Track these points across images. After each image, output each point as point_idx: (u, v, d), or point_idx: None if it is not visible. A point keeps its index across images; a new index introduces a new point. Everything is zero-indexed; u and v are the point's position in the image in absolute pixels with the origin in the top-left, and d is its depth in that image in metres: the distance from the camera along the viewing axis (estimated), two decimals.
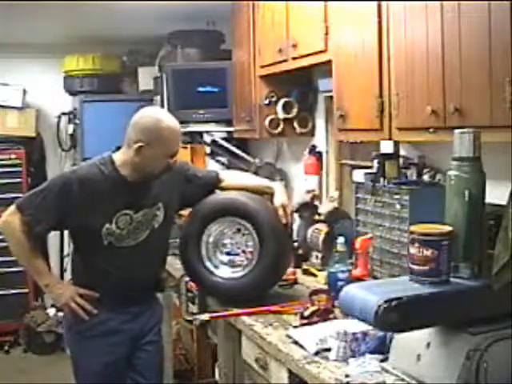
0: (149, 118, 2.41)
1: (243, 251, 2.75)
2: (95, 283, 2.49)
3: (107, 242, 2.44)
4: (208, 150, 4.41)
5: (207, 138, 4.41)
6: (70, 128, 5.58)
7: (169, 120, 2.43)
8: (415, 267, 1.71)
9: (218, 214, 2.65)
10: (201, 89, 4.29)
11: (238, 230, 2.74)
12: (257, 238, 2.58)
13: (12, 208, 2.45)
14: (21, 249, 2.49)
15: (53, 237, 4.99)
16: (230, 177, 2.79)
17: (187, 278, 2.95)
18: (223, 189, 2.72)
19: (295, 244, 3.18)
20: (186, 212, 2.78)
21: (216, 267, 2.68)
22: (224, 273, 2.67)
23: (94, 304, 2.47)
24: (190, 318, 2.81)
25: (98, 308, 2.47)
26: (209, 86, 4.29)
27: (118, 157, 2.47)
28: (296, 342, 2.12)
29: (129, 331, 2.55)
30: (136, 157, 2.40)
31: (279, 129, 3.58)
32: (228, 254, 2.74)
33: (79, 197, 2.39)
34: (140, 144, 2.37)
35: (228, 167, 4.43)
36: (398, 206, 2.45)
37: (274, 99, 3.56)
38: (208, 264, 2.67)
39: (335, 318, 2.27)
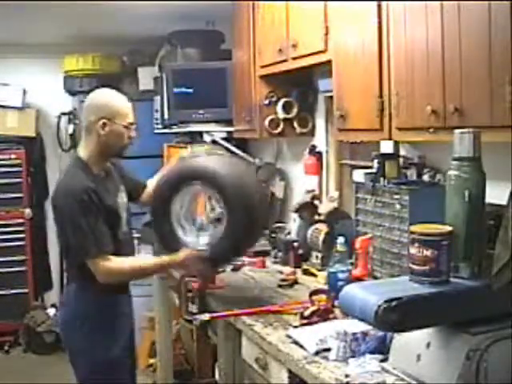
0: (102, 97, 2.61)
1: (212, 219, 2.76)
2: None
3: (121, 232, 2.59)
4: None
5: (207, 138, 4.41)
6: (70, 128, 5.57)
7: (118, 94, 2.63)
8: (415, 267, 1.71)
9: (186, 180, 2.64)
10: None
11: (209, 198, 2.76)
12: (225, 207, 2.53)
13: (98, 259, 2.44)
14: (138, 272, 2.62)
15: (53, 235, 4.98)
16: (149, 183, 2.89)
17: (187, 278, 2.95)
18: (148, 194, 2.84)
19: (295, 244, 3.19)
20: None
21: (185, 234, 2.68)
22: (193, 240, 2.67)
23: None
24: (189, 318, 2.81)
25: (111, 294, 2.58)
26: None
27: (83, 154, 2.58)
28: (296, 342, 2.12)
29: (130, 312, 2.76)
30: (102, 136, 2.52)
31: (279, 129, 3.58)
32: (196, 221, 2.75)
33: (97, 204, 2.46)
34: (104, 121, 2.52)
35: None
36: (397, 206, 2.45)
37: (273, 99, 3.56)
38: (178, 230, 2.67)
39: (335, 318, 2.27)
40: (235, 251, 2.66)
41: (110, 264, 2.46)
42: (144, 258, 2.65)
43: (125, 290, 2.72)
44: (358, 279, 2.51)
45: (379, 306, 1.59)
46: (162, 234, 2.72)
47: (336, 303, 2.21)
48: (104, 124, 2.52)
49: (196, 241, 2.68)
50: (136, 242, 3.11)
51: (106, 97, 2.61)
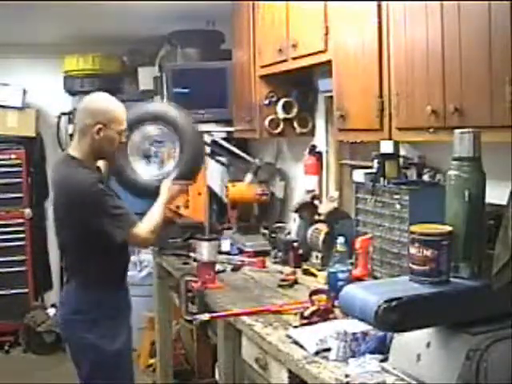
0: (100, 102, 2.66)
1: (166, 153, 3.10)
2: (112, 267, 2.66)
3: None
4: (208, 149, 4.41)
5: (207, 138, 4.40)
6: (70, 128, 5.55)
7: (116, 101, 2.69)
8: (415, 267, 1.71)
9: (147, 119, 3.02)
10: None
11: (162, 136, 3.08)
12: (178, 142, 2.98)
13: (131, 233, 2.57)
14: (159, 224, 2.70)
15: (53, 235, 4.97)
16: None
17: (187, 278, 2.95)
18: None
19: (295, 244, 3.20)
20: None
21: (136, 165, 3.04)
22: (143, 170, 3.03)
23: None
24: (189, 318, 2.81)
25: (112, 289, 2.67)
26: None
27: (77, 154, 2.63)
28: (296, 342, 2.12)
29: (129, 306, 2.81)
30: (96, 140, 2.59)
31: (279, 129, 3.58)
32: (151, 156, 3.10)
33: (109, 191, 2.61)
34: (99, 126, 2.57)
35: (228, 167, 4.44)
36: (397, 206, 2.45)
37: (273, 99, 3.56)
38: (132, 162, 3.03)
39: (335, 318, 2.27)
40: (192, 172, 3.05)
41: (143, 228, 2.61)
42: (149, 212, 2.72)
43: (123, 284, 2.78)
44: (358, 279, 2.51)
45: (379, 306, 1.59)
46: (119, 165, 2.97)
47: (336, 303, 2.21)
48: (100, 129, 2.58)
49: (146, 170, 3.04)
50: None
51: (104, 102, 2.65)
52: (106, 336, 2.60)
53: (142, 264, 4.78)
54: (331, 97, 2.84)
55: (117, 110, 2.65)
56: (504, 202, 1.73)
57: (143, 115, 3.03)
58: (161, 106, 3.20)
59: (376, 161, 2.62)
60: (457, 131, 1.74)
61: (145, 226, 2.62)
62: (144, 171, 3.04)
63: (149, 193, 2.91)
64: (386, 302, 1.59)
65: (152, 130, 3.05)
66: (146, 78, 5.29)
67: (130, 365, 2.80)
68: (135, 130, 2.98)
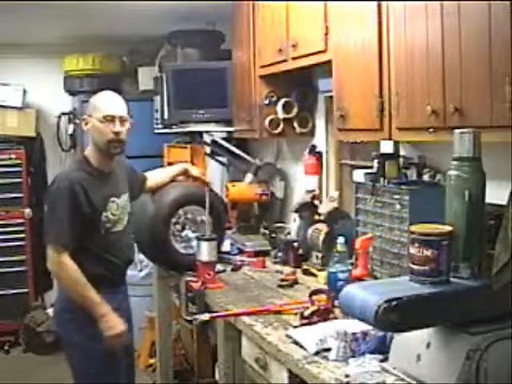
0: (92, 98, 2.75)
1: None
2: (96, 270, 2.62)
3: (104, 230, 2.65)
4: (208, 149, 4.41)
5: (207, 138, 4.41)
6: (70, 128, 5.58)
7: (108, 93, 2.74)
8: (415, 267, 1.71)
9: (186, 201, 3.24)
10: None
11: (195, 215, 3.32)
12: (211, 218, 3.17)
13: (54, 248, 2.60)
14: (78, 286, 2.57)
15: None
16: (151, 176, 3.16)
17: (187, 278, 2.95)
18: (148, 188, 3.13)
19: (295, 244, 3.20)
20: None
21: (177, 243, 3.26)
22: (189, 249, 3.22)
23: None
24: (189, 318, 2.81)
25: (100, 292, 2.59)
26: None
27: (88, 152, 2.70)
28: (296, 342, 2.12)
29: (124, 309, 2.76)
30: (89, 133, 2.68)
31: (279, 129, 3.58)
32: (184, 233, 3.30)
33: (81, 197, 2.57)
34: (85, 117, 2.69)
35: (228, 167, 4.43)
36: (397, 206, 2.45)
37: (273, 99, 3.56)
38: (174, 243, 3.25)
39: (335, 318, 2.27)
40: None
41: (59, 258, 2.57)
42: (96, 295, 2.57)
43: (116, 285, 2.76)
44: (358, 279, 2.51)
45: (379, 306, 1.59)
46: (161, 241, 3.20)
47: (336, 303, 2.21)
48: (85, 120, 2.68)
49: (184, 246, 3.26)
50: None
51: (95, 96, 2.75)
52: (95, 336, 2.57)
53: (142, 264, 4.77)
54: (331, 97, 2.84)
55: (99, 100, 2.70)
56: (504, 202, 1.73)
57: (184, 196, 3.25)
58: (195, 188, 3.35)
59: (376, 161, 2.62)
60: (457, 131, 1.74)
61: (66, 265, 2.55)
62: (177, 246, 3.26)
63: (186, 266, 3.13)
64: (386, 302, 1.59)
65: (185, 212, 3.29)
66: (146, 78, 5.28)
67: (127, 366, 2.78)
68: (179, 210, 3.25)
